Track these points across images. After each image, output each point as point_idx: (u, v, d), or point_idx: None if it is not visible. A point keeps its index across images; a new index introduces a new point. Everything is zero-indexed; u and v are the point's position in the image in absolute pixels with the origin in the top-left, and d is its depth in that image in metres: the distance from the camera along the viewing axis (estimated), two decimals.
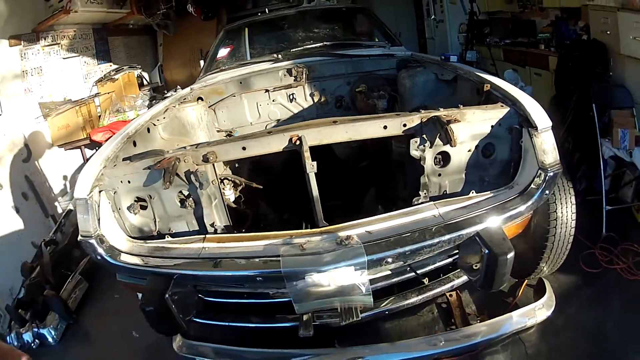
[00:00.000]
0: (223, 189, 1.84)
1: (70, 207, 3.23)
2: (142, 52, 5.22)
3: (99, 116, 3.60)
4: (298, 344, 1.83)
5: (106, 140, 3.29)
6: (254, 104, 2.04)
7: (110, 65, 4.36)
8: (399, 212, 1.58)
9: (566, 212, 1.84)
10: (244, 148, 1.60)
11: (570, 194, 1.87)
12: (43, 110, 3.45)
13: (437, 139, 1.60)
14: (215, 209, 1.66)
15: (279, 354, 1.88)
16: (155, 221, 1.68)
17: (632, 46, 2.64)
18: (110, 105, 3.74)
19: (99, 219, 1.55)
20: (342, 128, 1.61)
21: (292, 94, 2.04)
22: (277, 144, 1.60)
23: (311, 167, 1.48)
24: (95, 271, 2.99)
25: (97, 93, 3.70)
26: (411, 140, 1.58)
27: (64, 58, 3.84)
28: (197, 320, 1.96)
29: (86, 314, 2.68)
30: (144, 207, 1.68)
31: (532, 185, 1.56)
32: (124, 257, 1.56)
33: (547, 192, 1.57)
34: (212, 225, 1.65)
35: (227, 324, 2.02)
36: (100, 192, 1.58)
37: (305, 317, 1.77)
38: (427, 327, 2.06)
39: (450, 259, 1.74)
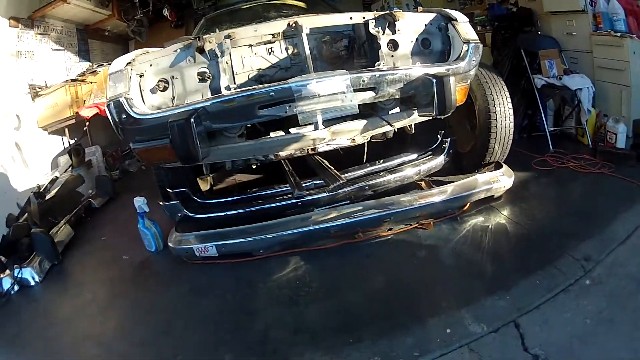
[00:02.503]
0: None
1: (56, 175, 3.71)
2: (115, 58, 6.03)
3: (84, 100, 4.24)
4: None
5: (93, 116, 3.93)
6: (239, 56, 2.52)
7: (91, 65, 5.12)
8: (368, 68, 2.30)
9: (501, 95, 2.67)
10: (255, 30, 2.37)
11: (501, 82, 2.72)
12: (32, 91, 4.09)
13: (387, 30, 2.41)
14: (229, 79, 2.30)
15: (272, 224, 2.37)
16: (173, 99, 2.30)
17: (553, 3, 3.73)
18: (92, 94, 4.40)
19: (129, 86, 2.14)
20: (324, 17, 2.45)
21: (271, 48, 2.53)
22: (279, 26, 2.36)
23: (306, 29, 2.25)
24: (80, 222, 3.43)
25: (83, 80, 4.38)
26: (369, 22, 2.38)
27: (52, 49, 4.63)
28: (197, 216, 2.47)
29: (72, 256, 2.97)
30: (165, 89, 2.29)
31: (462, 51, 2.36)
32: (150, 111, 2.14)
33: (474, 58, 2.37)
34: (226, 88, 2.27)
35: (226, 213, 2.58)
36: (131, 69, 2.20)
37: (295, 181, 2.38)
38: None
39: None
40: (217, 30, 3.61)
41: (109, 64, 4.87)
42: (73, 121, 4.19)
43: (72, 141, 4.38)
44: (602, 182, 2.74)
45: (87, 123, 4.23)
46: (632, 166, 2.87)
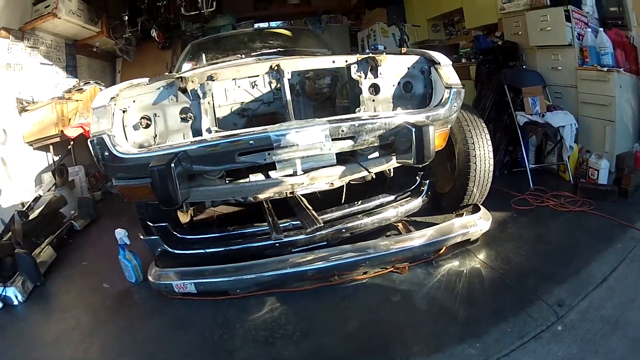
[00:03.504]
0: None
1: (40, 193, 3.75)
2: (102, 76, 6.16)
3: (69, 119, 4.29)
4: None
5: (77, 136, 3.98)
6: (222, 89, 2.60)
7: (78, 82, 5.16)
8: (347, 115, 2.36)
9: (481, 138, 2.74)
10: (238, 71, 2.45)
11: (482, 125, 2.78)
12: (19, 105, 4.13)
13: (370, 73, 2.49)
14: (210, 121, 2.37)
15: (249, 265, 2.43)
16: (155, 137, 2.36)
17: (539, 37, 3.83)
18: (78, 113, 4.46)
19: (112, 123, 2.20)
20: (306, 60, 2.54)
21: (254, 81, 2.60)
22: (262, 68, 2.45)
23: (288, 74, 2.33)
24: (62, 244, 3.48)
25: (69, 98, 4.43)
26: (351, 66, 2.45)
27: (41, 63, 4.69)
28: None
29: (54, 278, 3.02)
30: (147, 126, 2.36)
31: (444, 97, 2.43)
32: (132, 150, 2.19)
33: (455, 104, 2.44)
34: (207, 130, 2.34)
35: (205, 250, 2.66)
36: (115, 105, 2.25)
37: (274, 223, 2.46)
38: None
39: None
40: (204, 57, 3.71)
41: (96, 82, 5.04)
42: (58, 139, 4.24)
43: (56, 158, 4.43)
44: (582, 220, 2.80)
45: (72, 142, 4.28)
46: (613, 201, 2.95)
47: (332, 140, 2.18)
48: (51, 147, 4.34)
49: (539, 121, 3.49)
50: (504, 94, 3.70)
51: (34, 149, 4.31)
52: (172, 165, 1.99)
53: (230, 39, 4.23)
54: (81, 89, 4.74)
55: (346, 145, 2.25)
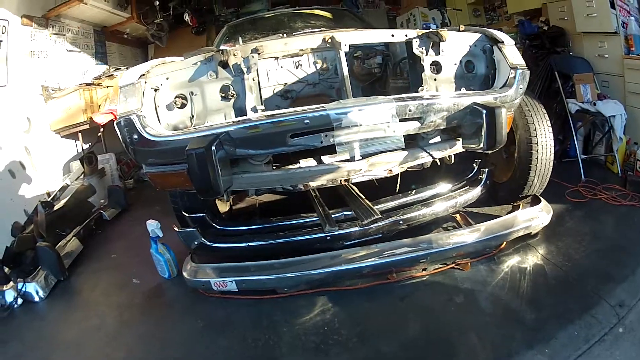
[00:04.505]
0: None
1: (67, 182, 3.37)
2: (134, 63, 5.62)
3: (99, 105, 3.89)
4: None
5: (107, 122, 3.59)
6: (264, 69, 2.29)
7: (108, 68, 4.76)
8: (412, 94, 1.97)
9: (543, 125, 2.33)
10: (285, 44, 2.02)
11: (543, 110, 2.38)
12: (44, 93, 3.74)
13: (431, 50, 2.06)
14: (255, 99, 1.96)
15: (298, 261, 2.03)
16: (192, 117, 1.96)
17: (586, 23, 3.38)
18: (108, 99, 4.06)
19: (142, 102, 1.80)
20: (362, 33, 2.12)
21: (298, 61, 2.28)
22: (313, 41, 2.03)
23: (345, 47, 1.90)
24: (90, 235, 3.10)
25: (99, 84, 4.03)
26: (413, 41, 2.03)
27: (67, 50, 4.28)
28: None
29: (80, 273, 2.67)
30: (183, 106, 1.95)
31: (509, 78, 2.04)
32: (165, 132, 1.80)
33: (521, 86, 2.05)
34: (252, 109, 1.92)
35: (248, 244, 2.25)
36: (145, 82, 1.86)
37: (325, 214, 2.05)
38: None
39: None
40: (241, 40, 3.27)
41: (127, 68, 4.59)
42: (87, 126, 3.85)
43: (85, 146, 4.05)
44: (633, 215, 2.46)
45: (102, 129, 3.89)
46: None
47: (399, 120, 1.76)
48: (80, 134, 3.96)
49: (590, 109, 3.06)
50: (553, 81, 3.27)
51: (61, 137, 3.93)
52: (213, 148, 1.61)
53: (268, 20, 3.76)
54: (111, 75, 4.34)
55: (412, 127, 1.85)
